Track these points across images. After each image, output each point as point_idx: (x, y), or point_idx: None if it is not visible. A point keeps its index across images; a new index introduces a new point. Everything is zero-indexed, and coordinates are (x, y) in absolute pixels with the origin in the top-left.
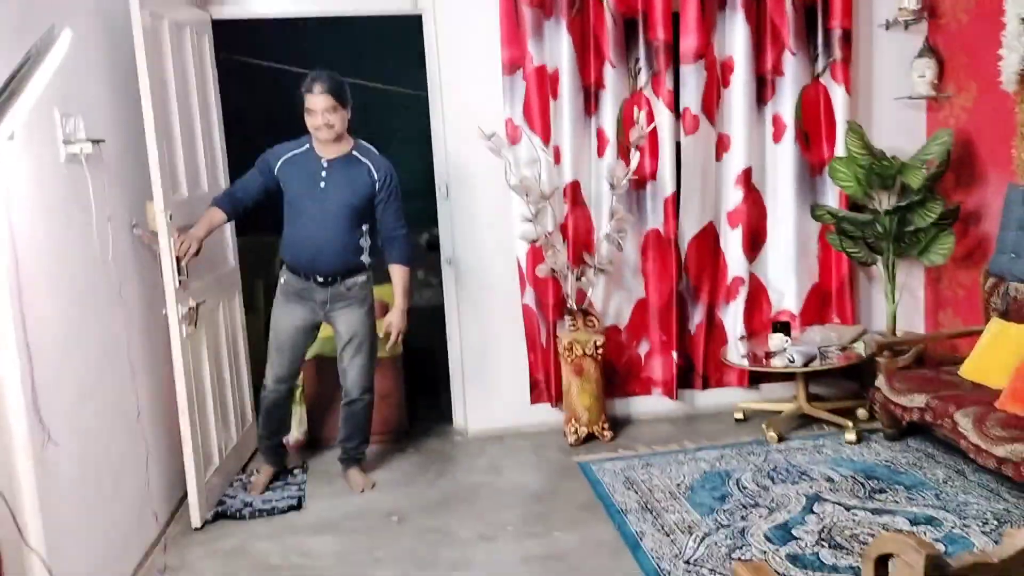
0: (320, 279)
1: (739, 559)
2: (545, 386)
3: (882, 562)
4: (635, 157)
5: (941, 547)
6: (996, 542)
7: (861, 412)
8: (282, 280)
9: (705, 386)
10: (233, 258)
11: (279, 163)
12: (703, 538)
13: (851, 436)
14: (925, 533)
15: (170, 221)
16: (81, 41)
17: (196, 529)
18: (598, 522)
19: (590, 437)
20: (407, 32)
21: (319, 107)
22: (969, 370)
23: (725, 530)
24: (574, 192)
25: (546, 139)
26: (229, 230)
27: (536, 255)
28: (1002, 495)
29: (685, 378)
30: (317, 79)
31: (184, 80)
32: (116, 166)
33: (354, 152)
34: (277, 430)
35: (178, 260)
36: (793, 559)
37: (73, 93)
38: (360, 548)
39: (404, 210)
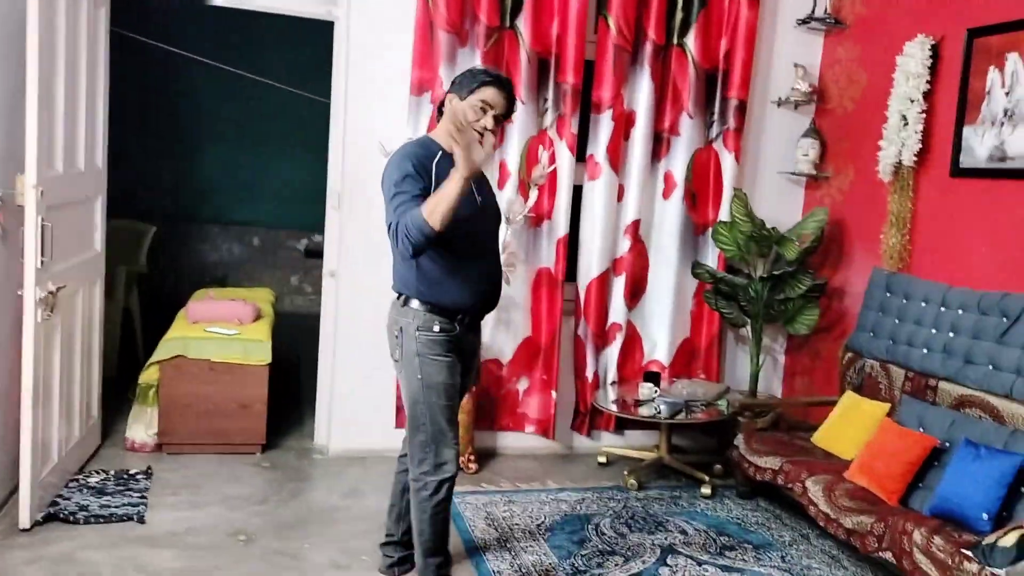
0: (475, 320)
1: None
2: None
3: None
4: (534, 194)
5: None
6: None
7: (717, 467)
8: (436, 328)
9: (580, 428)
10: (100, 243)
11: (434, 165)
12: None
13: (706, 490)
14: None
15: (40, 197)
16: None
17: (23, 530)
18: (456, 558)
19: None
20: (317, 36)
21: (497, 106)
22: (821, 438)
23: None
24: None
25: None
26: (100, 212)
27: None
28: (843, 562)
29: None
30: (500, 76)
31: (74, 52)
32: None
33: None
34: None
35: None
36: None
37: None
38: (202, 567)
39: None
